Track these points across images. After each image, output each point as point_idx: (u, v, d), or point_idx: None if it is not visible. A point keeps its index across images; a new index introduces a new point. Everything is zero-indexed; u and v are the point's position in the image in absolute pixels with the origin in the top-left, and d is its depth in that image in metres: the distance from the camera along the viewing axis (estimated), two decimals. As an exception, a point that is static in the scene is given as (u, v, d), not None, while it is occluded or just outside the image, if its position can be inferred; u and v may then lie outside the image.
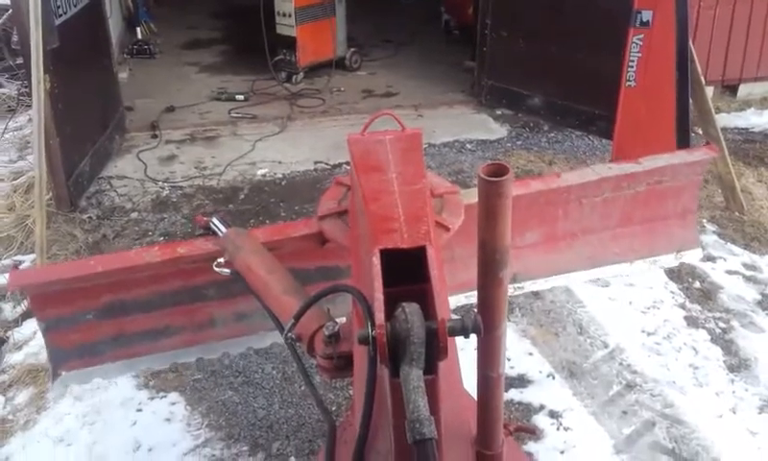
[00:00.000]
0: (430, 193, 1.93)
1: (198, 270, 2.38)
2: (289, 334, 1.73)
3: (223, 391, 3.08)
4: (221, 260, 2.17)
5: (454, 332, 1.18)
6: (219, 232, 2.31)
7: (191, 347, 2.60)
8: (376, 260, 1.32)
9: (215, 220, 2.37)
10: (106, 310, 2.44)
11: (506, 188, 1.21)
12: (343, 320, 1.77)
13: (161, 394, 3.07)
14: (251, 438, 2.84)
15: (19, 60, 6.01)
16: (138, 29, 8.25)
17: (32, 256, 3.91)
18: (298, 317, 1.70)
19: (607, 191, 2.75)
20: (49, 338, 2.48)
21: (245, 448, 2.79)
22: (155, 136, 5.78)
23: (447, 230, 1.98)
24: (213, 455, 2.76)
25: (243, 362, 3.23)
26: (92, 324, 2.45)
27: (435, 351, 1.19)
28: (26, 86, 5.73)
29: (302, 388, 3.06)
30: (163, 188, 4.93)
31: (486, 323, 1.26)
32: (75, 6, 4.66)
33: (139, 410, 2.99)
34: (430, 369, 1.20)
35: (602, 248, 2.86)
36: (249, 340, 2.65)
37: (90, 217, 4.50)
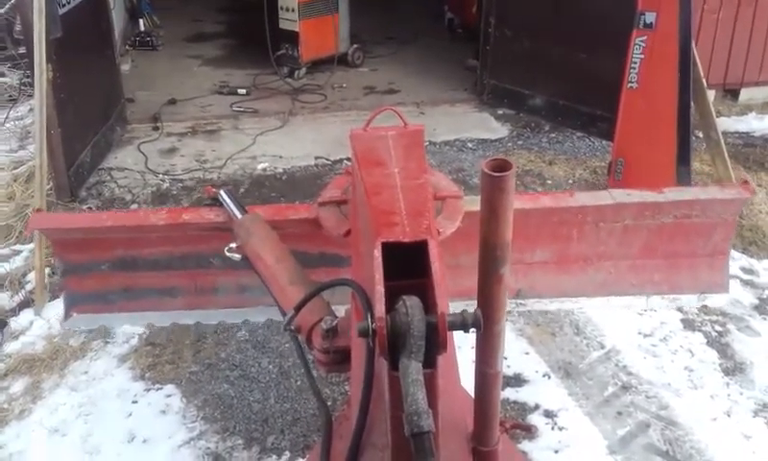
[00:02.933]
0: (432, 195, 1.93)
1: (202, 237, 2.54)
2: (289, 325, 1.74)
3: (219, 384, 3.08)
4: (233, 245, 2.22)
5: (454, 326, 1.19)
6: (225, 204, 2.37)
7: (192, 310, 2.81)
8: (378, 253, 1.33)
9: (223, 192, 2.45)
10: (118, 263, 2.67)
11: (508, 184, 1.22)
12: (344, 311, 1.78)
13: (157, 386, 3.07)
14: (246, 431, 2.84)
15: (22, 50, 5.98)
16: (141, 21, 8.24)
17: (30, 246, 3.90)
18: (298, 309, 1.71)
19: (628, 218, 2.65)
20: (66, 281, 2.82)
21: (240, 442, 2.79)
22: (156, 129, 5.78)
23: (438, 234, 1.98)
24: (208, 448, 2.76)
25: (239, 356, 3.23)
26: (105, 274, 2.69)
27: (434, 344, 1.19)
28: (28, 76, 5.71)
29: (298, 383, 3.07)
30: (164, 181, 4.93)
31: (485, 318, 1.26)
32: (78, -4, 4.66)
33: (135, 402, 2.99)
34: (429, 363, 1.20)
35: (618, 276, 2.76)
36: (246, 312, 2.82)
37: (90, 208, 4.51)
